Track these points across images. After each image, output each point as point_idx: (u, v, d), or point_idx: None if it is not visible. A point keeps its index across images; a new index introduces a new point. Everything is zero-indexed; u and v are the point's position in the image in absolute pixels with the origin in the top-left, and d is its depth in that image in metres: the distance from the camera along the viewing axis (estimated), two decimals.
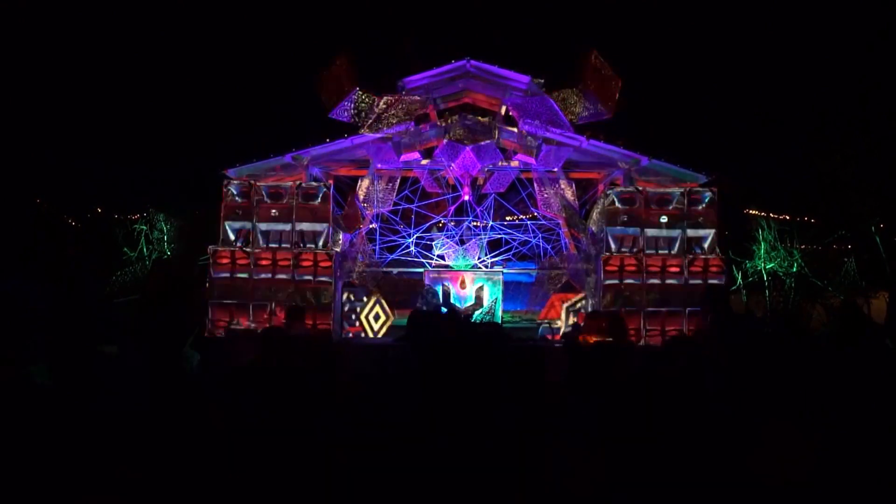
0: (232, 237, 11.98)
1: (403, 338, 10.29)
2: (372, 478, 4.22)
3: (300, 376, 5.29)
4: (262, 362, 5.75)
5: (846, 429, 4.34)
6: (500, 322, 12.66)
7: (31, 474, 4.11)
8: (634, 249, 11.85)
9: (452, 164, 12.60)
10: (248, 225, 11.91)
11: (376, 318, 12.73)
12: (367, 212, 13.18)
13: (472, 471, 4.07)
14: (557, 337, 12.14)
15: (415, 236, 14.49)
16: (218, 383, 5.58)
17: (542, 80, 12.40)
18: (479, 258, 14.01)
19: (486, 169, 13.04)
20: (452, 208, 14.25)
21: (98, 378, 5.08)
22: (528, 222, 14.90)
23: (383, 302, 12.86)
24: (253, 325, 11.41)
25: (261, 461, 4.37)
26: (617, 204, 11.95)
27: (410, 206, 14.39)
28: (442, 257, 14.14)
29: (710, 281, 11.64)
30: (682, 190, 12.00)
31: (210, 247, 11.92)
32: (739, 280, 14.42)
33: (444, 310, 12.52)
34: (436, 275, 13.33)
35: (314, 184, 12.26)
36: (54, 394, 4.69)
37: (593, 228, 12.70)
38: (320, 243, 11.92)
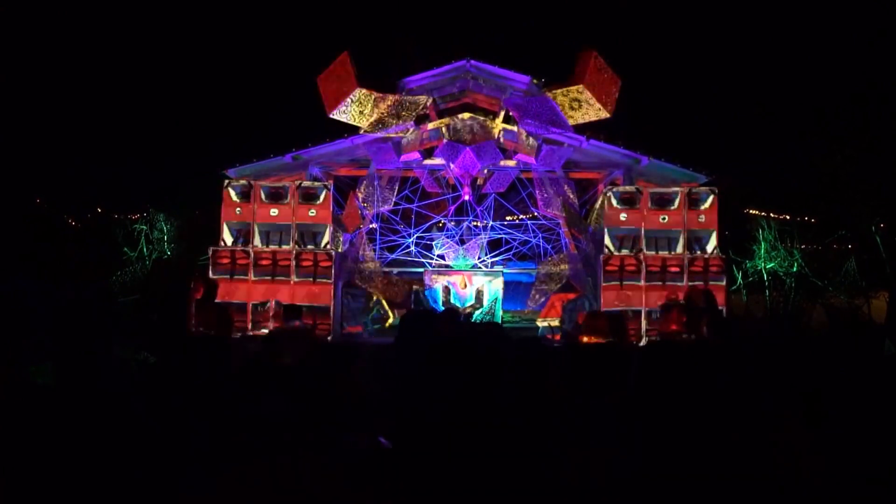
0: (232, 237, 11.97)
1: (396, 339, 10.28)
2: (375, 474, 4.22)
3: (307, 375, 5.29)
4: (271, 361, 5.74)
5: (847, 429, 4.34)
6: (500, 322, 12.65)
7: (32, 475, 4.11)
8: (634, 249, 11.84)
9: (452, 164, 12.60)
10: (248, 225, 11.90)
11: (376, 318, 12.73)
12: (367, 212, 13.18)
13: (475, 471, 4.07)
14: (557, 337, 12.13)
15: (415, 236, 14.49)
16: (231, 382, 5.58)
17: (542, 80, 12.40)
18: (479, 258, 14.01)
19: (486, 169, 13.04)
20: (452, 208, 14.25)
21: (100, 378, 5.08)
22: (528, 222, 14.90)
23: (383, 302, 12.86)
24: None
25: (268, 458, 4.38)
26: (617, 204, 11.94)
27: (410, 206, 14.40)
28: (442, 257, 14.14)
29: (711, 282, 11.63)
30: (682, 190, 11.99)
31: (210, 247, 11.91)
32: (739, 280, 14.41)
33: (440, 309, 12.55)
34: (436, 275, 13.32)
35: (314, 184, 12.25)
36: (56, 394, 4.69)
37: (593, 228, 12.69)
38: (320, 243, 11.91)
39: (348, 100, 12.19)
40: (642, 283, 11.65)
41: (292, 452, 4.44)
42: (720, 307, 10.73)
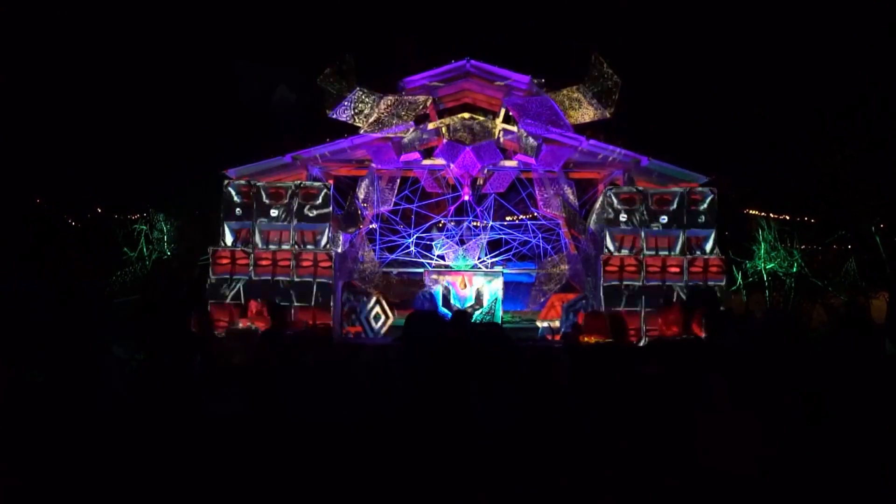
0: (232, 237, 11.97)
1: (400, 338, 10.29)
2: (369, 475, 4.22)
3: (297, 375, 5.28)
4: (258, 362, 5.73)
5: (845, 430, 4.34)
6: (500, 322, 12.65)
7: (31, 474, 4.11)
8: (634, 249, 11.84)
9: (452, 164, 12.59)
10: (248, 225, 11.90)
11: (376, 318, 12.73)
12: (367, 212, 13.17)
13: (467, 470, 4.07)
14: (557, 337, 12.13)
15: (415, 236, 14.48)
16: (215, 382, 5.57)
17: (543, 80, 12.39)
18: (479, 258, 14.01)
19: (486, 169, 13.04)
20: (452, 208, 14.25)
21: (97, 378, 5.08)
22: (528, 222, 14.90)
23: (383, 302, 12.86)
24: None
25: (257, 459, 4.37)
26: (617, 204, 11.94)
27: (410, 206, 14.40)
28: (442, 257, 14.13)
29: (709, 282, 11.64)
30: (682, 190, 11.99)
31: (210, 247, 11.92)
32: (739, 280, 14.41)
33: (443, 311, 12.56)
34: (436, 275, 13.31)
35: (314, 184, 12.25)
36: (50, 393, 4.69)
37: (593, 228, 12.69)
38: (320, 243, 11.91)
39: (348, 100, 12.19)
40: (642, 283, 11.65)
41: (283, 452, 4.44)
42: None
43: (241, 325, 11.12)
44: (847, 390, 4.64)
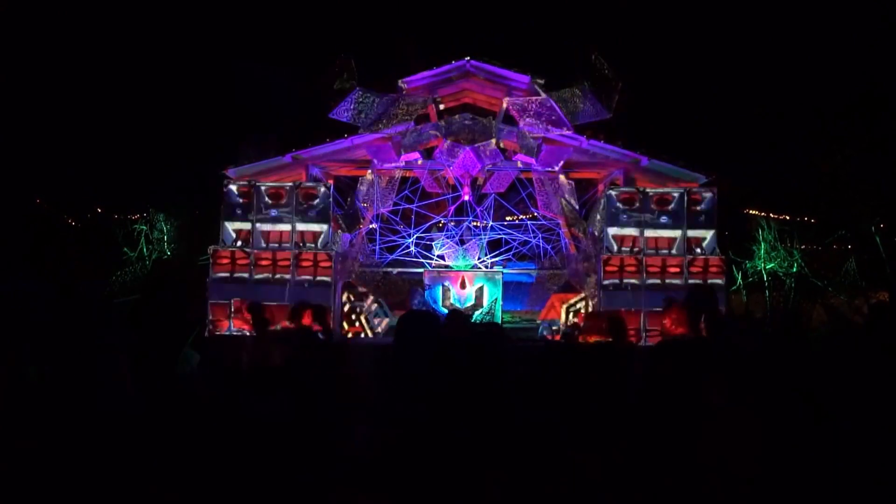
0: (232, 237, 11.97)
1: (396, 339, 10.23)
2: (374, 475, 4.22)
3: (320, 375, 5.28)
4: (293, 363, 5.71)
5: (849, 429, 4.34)
6: (500, 322, 12.65)
7: (31, 474, 4.11)
8: (634, 249, 11.83)
9: (452, 164, 12.59)
10: (248, 225, 11.89)
11: (376, 317, 12.72)
12: (367, 212, 13.17)
13: (472, 469, 4.07)
14: (557, 337, 12.12)
15: (415, 236, 14.48)
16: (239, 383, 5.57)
17: (543, 80, 12.39)
18: (479, 258, 14.00)
19: (486, 169, 13.04)
20: (452, 208, 14.25)
21: (97, 378, 5.08)
22: (528, 222, 14.90)
23: (383, 302, 12.86)
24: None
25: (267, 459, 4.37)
26: (617, 204, 11.93)
27: (410, 206, 14.40)
28: (442, 257, 14.13)
29: (710, 281, 11.63)
30: (682, 190, 11.98)
31: (210, 247, 11.91)
32: (739, 280, 14.40)
33: (442, 311, 12.57)
34: (436, 275, 13.31)
35: (314, 184, 12.25)
36: (49, 393, 4.69)
37: (593, 228, 12.69)
38: (320, 243, 11.91)
39: (348, 100, 12.18)
40: (642, 283, 11.64)
41: (290, 452, 4.43)
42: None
43: (281, 326, 10.99)
44: (850, 390, 4.64)
